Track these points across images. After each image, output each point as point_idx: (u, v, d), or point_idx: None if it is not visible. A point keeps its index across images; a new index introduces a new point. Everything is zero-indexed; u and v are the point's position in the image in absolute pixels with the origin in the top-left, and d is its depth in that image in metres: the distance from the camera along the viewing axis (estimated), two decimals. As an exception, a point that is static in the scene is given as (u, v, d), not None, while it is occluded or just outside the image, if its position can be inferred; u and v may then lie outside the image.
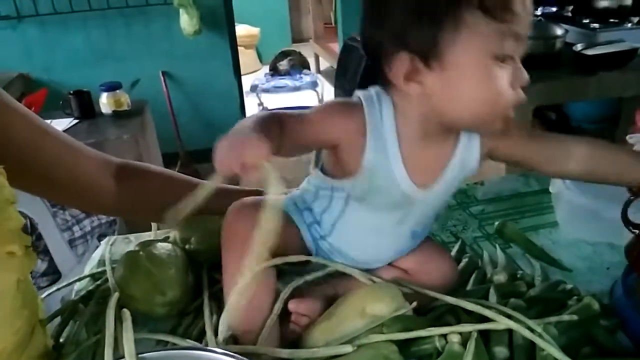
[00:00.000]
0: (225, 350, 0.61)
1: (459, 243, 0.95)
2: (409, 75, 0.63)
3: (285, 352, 0.68)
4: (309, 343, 0.71)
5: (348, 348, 0.66)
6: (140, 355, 0.61)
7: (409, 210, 0.74)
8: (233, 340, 0.73)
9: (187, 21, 3.21)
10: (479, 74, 0.61)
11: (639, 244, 0.75)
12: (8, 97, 0.78)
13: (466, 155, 0.72)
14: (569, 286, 0.81)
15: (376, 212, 0.74)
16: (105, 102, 2.54)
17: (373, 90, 0.70)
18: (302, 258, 0.80)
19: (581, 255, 0.93)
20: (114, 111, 2.54)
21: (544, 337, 0.65)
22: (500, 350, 0.67)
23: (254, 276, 0.65)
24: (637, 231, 0.76)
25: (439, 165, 0.71)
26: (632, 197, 0.75)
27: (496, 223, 0.99)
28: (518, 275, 0.84)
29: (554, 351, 0.62)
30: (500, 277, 0.82)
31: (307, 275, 0.80)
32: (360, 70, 1.87)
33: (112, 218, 1.95)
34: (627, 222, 0.76)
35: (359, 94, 0.70)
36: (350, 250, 0.78)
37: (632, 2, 2.61)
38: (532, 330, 0.66)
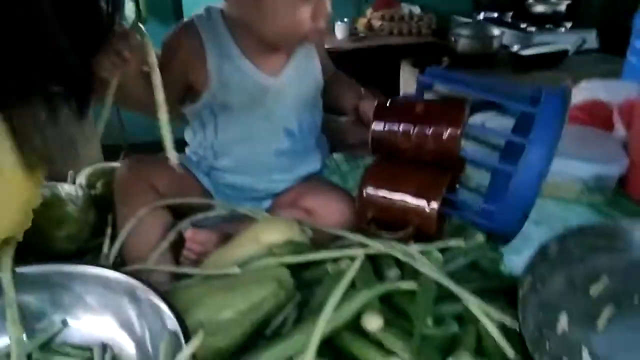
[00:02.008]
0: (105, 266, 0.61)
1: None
2: None
3: (169, 268, 0.68)
4: (205, 266, 0.71)
5: (235, 270, 0.66)
6: (17, 270, 0.60)
7: (270, 102, 0.82)
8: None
9: (132, 9, 3.17)
10: (283, 4, 0.73)
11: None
12: None
13: (308, 51, 0.85)
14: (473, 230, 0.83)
15: (242, 114, 0.82)
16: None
17: (204, 7, 0.82)
18: (201, 201, 0.81)
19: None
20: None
21: (421, 260, 0.67)
22: (391, 272, 0.68)
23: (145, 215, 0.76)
24: None
25: (282, 55, 0.83)
26: None
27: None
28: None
29: (429, 271, 0.64)
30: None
31: (207, 214, 0.81)
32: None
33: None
34: None
35: (192, 15, 0.81)
36: (239, 169, 0.85)
37: (565, 8, 2.74)
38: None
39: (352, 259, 0.67)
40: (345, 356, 0.59)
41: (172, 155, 0.71)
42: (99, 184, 0.90)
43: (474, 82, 0.72)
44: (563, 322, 0.49)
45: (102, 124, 0.71)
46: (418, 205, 0.73)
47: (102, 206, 0.87)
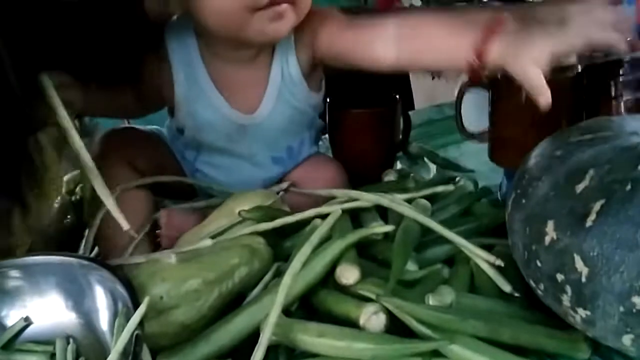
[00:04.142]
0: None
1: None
2: None
3: (140, 258, 0.63)
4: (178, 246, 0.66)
5: (207, 242, 0.61)
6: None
7: (249, 139, 0.72)
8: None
9: None
10: None
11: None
12: None
13: (287, 69, 0.69)
14: (462, 179, 0.77)
15: (217, 150, 0.74)
16: None
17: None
18: (174, 178, 0.77)
19: (486, 160, 0.88)
20: None
21: (405, 206, 0.60)
22: (375, 224, 0.62)
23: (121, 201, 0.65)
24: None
25: (259, 87, 0.70)
26: (463, 89, 0.69)
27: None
28: (410, 177, 0.80)
29: (412, 214, 0.58)
30: (390, 177, 0.78)
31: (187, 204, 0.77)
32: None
33: None
34: (462, 128, 0.71)
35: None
36: (224, 185, 0.77)
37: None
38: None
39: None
40: (322, 314, 0.53)
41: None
42: (77, 189, 0.87)
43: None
44: (550, 230, 0.42)
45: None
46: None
47: (82, 210, 0.84)
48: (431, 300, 0.47)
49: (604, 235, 0.39)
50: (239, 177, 0.76)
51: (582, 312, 0.41)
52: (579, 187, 0.41)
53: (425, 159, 0.90)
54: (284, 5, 0.61)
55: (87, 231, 0.78)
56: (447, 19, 0.61)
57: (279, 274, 0.59)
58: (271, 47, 0.69)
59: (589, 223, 0.40)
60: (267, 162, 0.76)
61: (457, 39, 0.56)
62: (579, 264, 0.40)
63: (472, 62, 0.53)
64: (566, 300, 0.42)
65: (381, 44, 0.62)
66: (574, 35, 0.50)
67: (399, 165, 0.89)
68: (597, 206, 0.40)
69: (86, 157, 0.60)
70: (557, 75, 0.60)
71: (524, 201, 0.46)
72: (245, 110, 0.70)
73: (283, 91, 0.70)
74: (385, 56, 0.62)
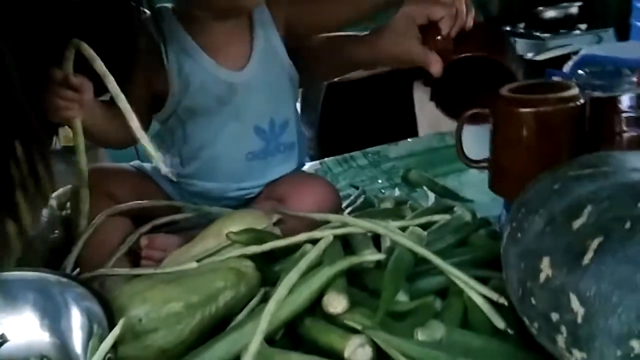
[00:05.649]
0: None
1: (358, 191, 0.90)
2: None
3: (123, 271, 0.61)
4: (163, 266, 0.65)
5: (193, 264, 0.60)
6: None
7: (237, 99, 0.75)
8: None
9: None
10: None
11: None
12: None
13: (267, 30, 0.77)
14: (460, 209, 0.75)
15: (209, 116, 0.76)
16: None
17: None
18: (162, 203, 0.76)
19: (487, 190, 0.87)
20: None
21: (399, 234, 0.58)
22: (367, 251, 0.60)
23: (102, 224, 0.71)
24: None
25: (244, 44, 0.76)
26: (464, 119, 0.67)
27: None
28: (407, 204, 0.78)
29: (405, 242, 0.56)
30: (387, 204, 0.76)
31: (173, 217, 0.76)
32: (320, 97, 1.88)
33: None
34: (462, 155, 0.69)
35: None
36: (208, 175, 0.78)
37: (578, 11, 2.66)
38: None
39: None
40: (307, 343, 0.51)
41: (161, 165, 0.67)
42: (68, 204, 0.86)
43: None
44: (545, 267, 0.40)
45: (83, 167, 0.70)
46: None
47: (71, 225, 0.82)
48: (420, 335, 0.44)
49: (602, 274, 0.37)
50: (224, 150, 0.78)
51: (577, 354, 0.39)
52: (576, 223, 0.39)
53: (424, 187, 0.88)
54: None
55: (74, 248, 0.77)
56: None
57: (266, 299, 0.56)
58: (248, 18, 0.77)
59: (585, 261, 0.38)
60: (250, 132, 0.78)
61: None
62: (575, 303, 0.38)
63: None
64: (561, 340, 0.40)
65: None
66: None
67: (397, 193, 0.88)
68: (594, 244, 0.38)
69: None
70: (559, 106, 0.59)
71: (519, 235, 0.44)
72: (234, 67, 0.76)
73: (267, 56, 0.77)
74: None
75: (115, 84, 0.65)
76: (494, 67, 0.72)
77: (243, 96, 0.76)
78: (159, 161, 0.67)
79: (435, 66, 0.71)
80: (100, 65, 0.65)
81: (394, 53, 0.76)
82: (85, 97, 0.66)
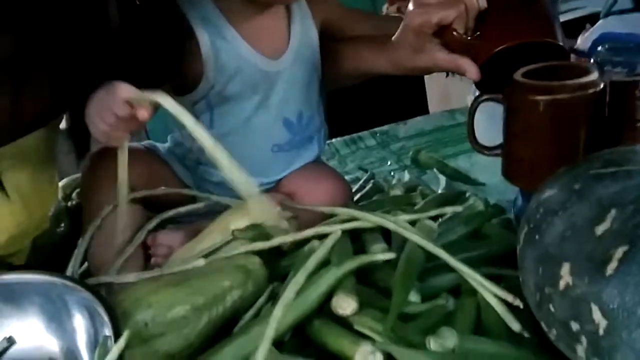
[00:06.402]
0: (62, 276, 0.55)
1: (367, 174, 0.88)
2: None
3: (131, 277, 0.60)
4: (170, 265, 0.63)
5: (200, 262, 0.58)
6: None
7: (268, 88, 0.73)
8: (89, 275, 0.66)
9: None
10: None
11: None
12: None
13: (304, 23, 0.75)
14: (472, 197, 0.72)
15: (239, 103, 0.73)
16: None
17: None
18: (170, 190, 0.74)
19: (498, 172, 0.84)
20: None
21: (410, 229, 0.57)
22: (377, 247, 0.58)
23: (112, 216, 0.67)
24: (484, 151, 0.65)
25: (281, 33, 0.74)
26: (477, 101, 0.63)
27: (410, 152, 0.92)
28: (418, 190, 0.76)
29: (416, 238, 0.54)
30: (397, 191, 0.74)
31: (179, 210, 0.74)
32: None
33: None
34: (474, 141, 0.65)
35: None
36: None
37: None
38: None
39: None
40: (317, 346, 0.49)
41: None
42: (74, 195, 0.85)
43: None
44: (566, 274, 0.38)
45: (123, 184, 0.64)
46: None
47: (78, 217, 0.81)
48: (432, 344, 0.43)
49: (626, 286, 0.35)
50: (250, 140, 0.76)
51: (598, 364, 0.38)
52: (599, 229, 0.37)
53: (435, 170, 0.86)
54: None
55: (80, 239, 0.76)
56: None
57: (274, 297, 0.56)
58: (287, 9, 0.74)
59: (609, 271, 0.36)
60: (278, 123, 0.76)
61: None
62: (597, 314, 0.36)
63: None
64: (581, 350, 0.38)
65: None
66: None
67: (407, 176, 0.85)
68: (619, 253, 0.36)
69: None
70: (577, 94, 0.56)
71: (537, 237, 0.42)
72: (270, 55, 0.72)
73: (303, 48, 0.75)
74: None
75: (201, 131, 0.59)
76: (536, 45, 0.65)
77: (276, 86, 0.74)
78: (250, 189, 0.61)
79: (471, 70, 0.61)
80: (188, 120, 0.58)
81: (419, 67, 0.67)
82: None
